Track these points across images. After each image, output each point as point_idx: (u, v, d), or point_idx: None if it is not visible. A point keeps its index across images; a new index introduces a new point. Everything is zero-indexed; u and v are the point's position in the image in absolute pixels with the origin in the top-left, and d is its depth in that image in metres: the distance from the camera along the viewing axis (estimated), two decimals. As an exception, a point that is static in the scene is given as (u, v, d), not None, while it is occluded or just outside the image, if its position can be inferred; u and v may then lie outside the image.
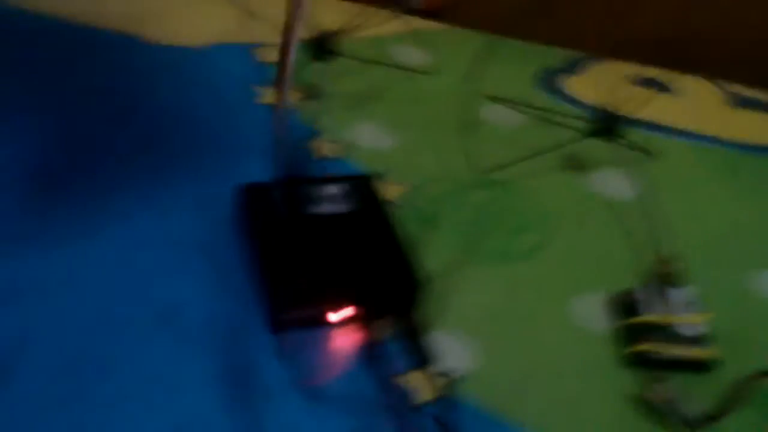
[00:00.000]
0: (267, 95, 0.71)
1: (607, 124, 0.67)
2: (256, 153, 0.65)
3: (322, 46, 0.70)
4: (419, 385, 0.51)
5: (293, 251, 0.54)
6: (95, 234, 0.56)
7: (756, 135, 0.77)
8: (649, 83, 0.80)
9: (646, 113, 0.76)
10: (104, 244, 0.56)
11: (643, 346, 0.54)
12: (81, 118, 0.65)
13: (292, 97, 0.71)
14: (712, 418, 0.51)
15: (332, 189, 0.59)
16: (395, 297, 0.54)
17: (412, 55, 0.79)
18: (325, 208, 0.57)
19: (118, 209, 0.58)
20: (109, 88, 0.69)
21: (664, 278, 0.58)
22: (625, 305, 0.57)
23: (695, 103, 0.80)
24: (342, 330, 0.53)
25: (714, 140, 0.75)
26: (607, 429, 0.51)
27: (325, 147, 0.67)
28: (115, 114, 0.66)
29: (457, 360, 0.53)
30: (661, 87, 0.81)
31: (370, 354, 0.52)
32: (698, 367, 0.54)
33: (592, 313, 0.58)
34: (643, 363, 0.54)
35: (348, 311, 0.53)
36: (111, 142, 0.64)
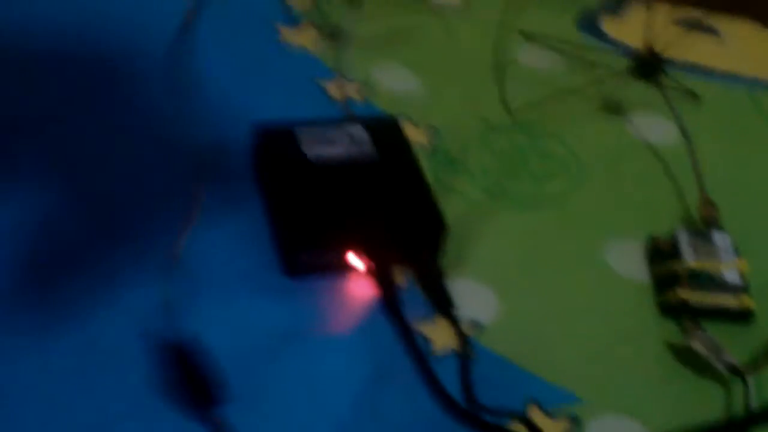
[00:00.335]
0: (290, 34, 0.69)
1: (648, 65, 0.63)
2: (278, 92, 0.63)
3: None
4: (439, 334, 0.49)
5: (312, 194, 0.52)
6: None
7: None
8: (694, 25, 0.76)
9: (689, 55, 0.72)
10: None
11: (682, 294, 0.51)
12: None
13: (312, 36, 0.69)
14: (758, 364, 0.48)
15: (355, 131, 0.56)
16: (420, 241, 0.52)
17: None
18: (347, 150, 0.55)
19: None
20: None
21: (705, 223, 0.55)
22: (663, 251, 0.54)
23: (742, 47, 0.76)
24: (361, 275, 0.51)
25: (762, 84, 0.71)
26: (641, 378, 0.48)
27: (347, 89, 0.65)
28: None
29: (479, 308, 0.51)
30: (708, 29, 0.77)
31: (389, 301, 0.50)
32: (739, 316, 0.51)
33: (626, 259, 0.55)
34: (681, 311, 0.51)
35: (369, 255, 0.51)
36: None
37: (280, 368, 0.46)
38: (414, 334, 0.48)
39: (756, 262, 0.53)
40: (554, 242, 0.55)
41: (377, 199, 0.52)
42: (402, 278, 0.51)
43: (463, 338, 0.48)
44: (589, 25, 0.75)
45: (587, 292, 0.52)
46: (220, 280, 0.50)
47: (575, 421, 0.45)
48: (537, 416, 0.45)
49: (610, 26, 0.76)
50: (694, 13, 0.75)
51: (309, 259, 0.50)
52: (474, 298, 0.51)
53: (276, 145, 0.55)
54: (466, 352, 0.48)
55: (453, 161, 0.60)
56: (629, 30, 0.74)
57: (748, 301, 0.50)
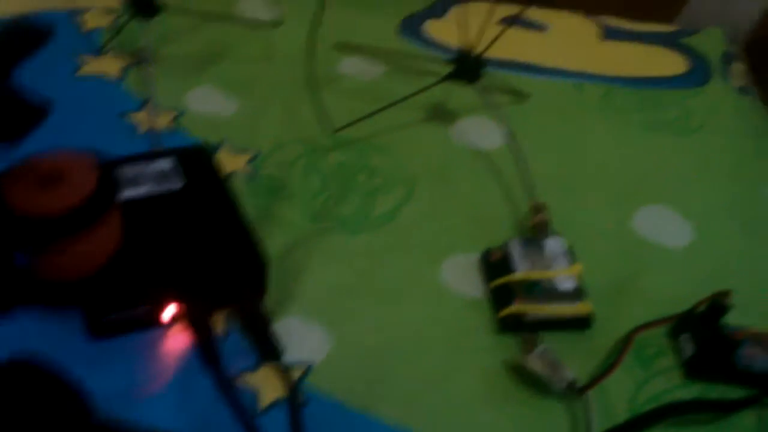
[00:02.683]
0: (92, 64, 0.63)
1: (468, 68, 0.61)
2: (82, 132, 0.58)
3: (145, 2, 0.62)
4: (267, 383, 0.45)
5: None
6: None
7: (629, 66, 0.72)
8: (518, 22, 0.74)
9: (514, 53, 0.71)
10: None
11: (518, 308, 0.48)
12: None
13: (116, 65, 0.64)
14: (595, 379, 0.46)
15: (159, 165, 0.52)
16: (237, 284, 0.47)
17: (258, 10, 0.72)
18: (151, 188, 0.50)
19: None
20: None
21: (536, 230, 0.53)
22: (496, 264, 0.51)
23: (568, 39, 0.75)
24: (175, 327, 0.47)
25: (587, 76, 0.70)
26: (482, 403, 0.45)
27: (155, 118, 0.60)
28: None
29: (309, 348, 0.47)
30: (532, 25, 0.75)
31: (207, 352, 0.45)
32: (577, 323, 0.49)
33: (463, 276, 0.52)
34: (517, 326, 0.49)
35: (183, 304, 0.47)
36: None
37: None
38: (235, 386, 0.44)
39: (593, 260, 0.52)
40: (387, 266, 0.52)
41: (188, 242, 0.47)
42: (222, 326, 0.47)
43: (292, 387, 0.44)
44: (412, 30, 0.73)
45: (423, 316, 0.50)
46: (18, 347, 0.44)
47: (416, 462, 0.42)
48: (374, 463, 0.42)
49: (435, 30, 0.73)
50: (519, 9, 0.74)
51: (116, 319, 0.45)
52: (303, 337, 0.47)
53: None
54: (296, 402, 0.44)
55: (276, 187, 0.57)
56: (452, 30, 0.72)
57: (584, 307, 0.49)
